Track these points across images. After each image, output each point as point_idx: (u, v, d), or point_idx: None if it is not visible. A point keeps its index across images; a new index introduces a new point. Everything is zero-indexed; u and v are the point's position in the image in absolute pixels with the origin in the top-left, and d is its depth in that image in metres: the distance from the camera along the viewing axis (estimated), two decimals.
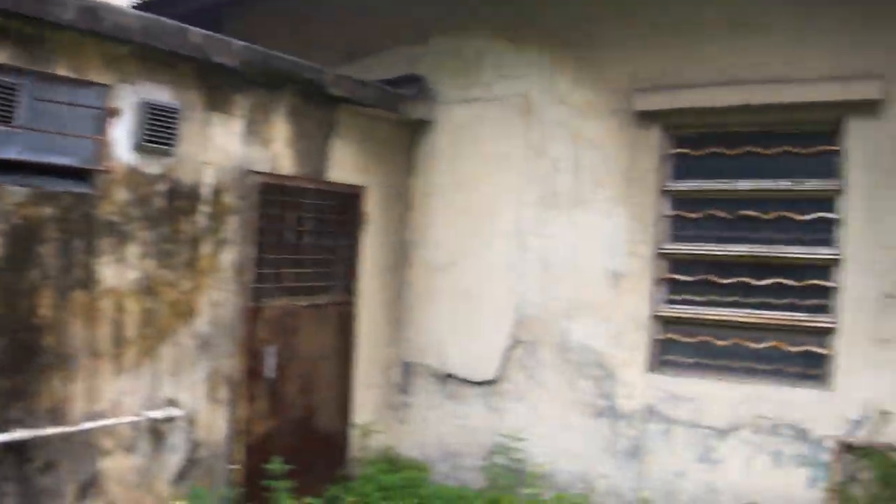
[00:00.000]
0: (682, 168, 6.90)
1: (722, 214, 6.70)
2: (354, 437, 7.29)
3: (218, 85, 5.90)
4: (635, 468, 6.75)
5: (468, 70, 7.66)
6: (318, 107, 6.79)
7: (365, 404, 7.43)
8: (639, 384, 6.83)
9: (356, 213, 7.26)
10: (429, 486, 6.99)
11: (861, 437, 5.94)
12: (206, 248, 5.84)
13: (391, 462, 7.37)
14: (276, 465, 5.91)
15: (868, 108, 6.01)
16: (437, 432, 7.63)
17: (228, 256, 6.02)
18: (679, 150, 6.89)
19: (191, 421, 5.80)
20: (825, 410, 6.10)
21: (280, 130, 6.46)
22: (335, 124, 6.98)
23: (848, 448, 5.95)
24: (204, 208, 5.82)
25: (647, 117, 6.86)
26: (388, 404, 7.77)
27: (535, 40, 7.37)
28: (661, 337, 6.89)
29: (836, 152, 6.26)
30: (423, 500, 6.64)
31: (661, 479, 6.64)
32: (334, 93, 6.75)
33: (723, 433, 6.43)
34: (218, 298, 5.96)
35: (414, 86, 7.69)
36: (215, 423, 6.00)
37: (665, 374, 6.79)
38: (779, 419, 6.24)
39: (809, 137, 6.37)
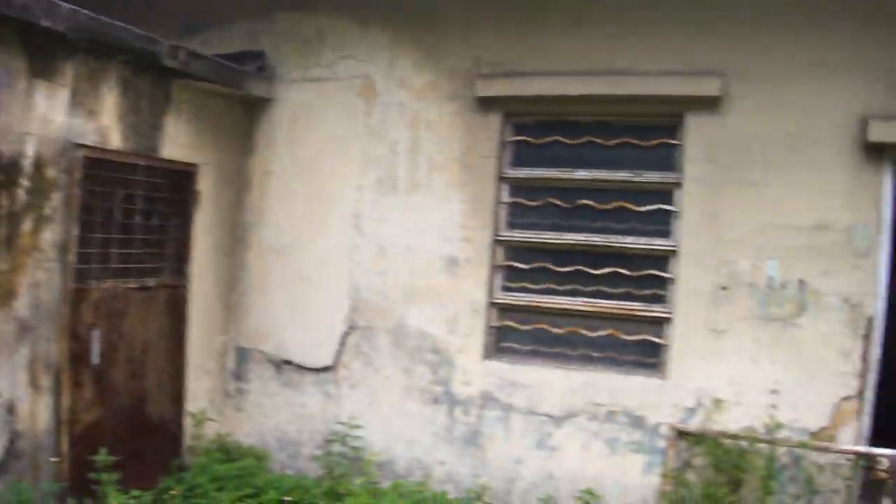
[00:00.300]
0: (522, 155, 6.95)
1: (560, 203, 6.78)
2: (188, 426, 7.03)
3: (43, 50, 5.49)
4: (473, 455, 6.79)
5: (310, 49, 7.47)
6: (151, 79, 6.45)
7: (199, 391, 7.18)
8: (475, 371, 6.86)
9: (190, 193, 6.97)
10: (265, 475, 6.79)
11: (695, 424, 6.16)
12: (25, 226, 5.45)
13: (227, 451, 7.14)
14: (102, 456, 5.61)
15: (707, 104, 6.21)
16: (275, 420, 7.45)
17: (50, 235, 5.65)
18: (519, 138, 6.95)
19: (10, 410, 5.42)
20: (660, 398, 6.30)
21: (109, 102, 6.09)
22: (169, 99, 6.66)
23: (682, 435, 6.16)
24: (24, 182, 5.42)
25: (487, 104, 6.88)
26: (223, 391, 7.54)
27: (378, 21, 7.26)
28: (497, 324, 6.94)
29: (676, 146, 6.45)
30: (258, 490, 6.44)
31: (499, 466, 6.70)
32: (169, 65, 6.41)
33: (559, 420, 6.55)
34: (39, 279, 5.58)
35: (255, 62, 7.44)
36: (37, 413, 5.63)
37: (502, 361, 6.85)
38: (615, 406, 6.40)
39: (650, 130, 6.54)
